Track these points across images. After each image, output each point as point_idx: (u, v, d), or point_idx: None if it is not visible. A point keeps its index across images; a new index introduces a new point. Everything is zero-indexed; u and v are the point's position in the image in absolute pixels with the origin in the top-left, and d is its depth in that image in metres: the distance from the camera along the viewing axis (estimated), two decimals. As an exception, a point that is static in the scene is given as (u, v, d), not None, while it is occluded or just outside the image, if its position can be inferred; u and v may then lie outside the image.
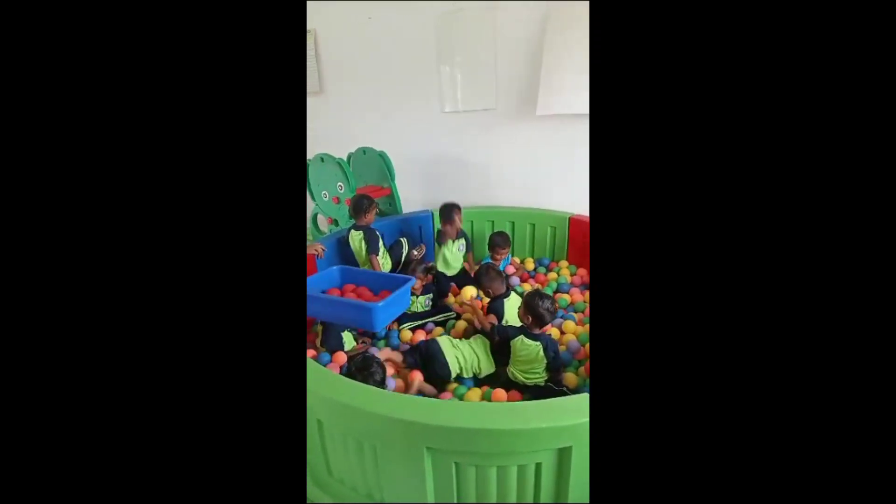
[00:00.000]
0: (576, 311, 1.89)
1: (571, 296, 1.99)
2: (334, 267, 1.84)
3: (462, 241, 2.17)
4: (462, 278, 2.11)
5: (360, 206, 2.03)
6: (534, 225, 2.38)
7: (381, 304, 1.44)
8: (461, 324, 1.83)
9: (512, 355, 1.49)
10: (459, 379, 1.56)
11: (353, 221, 2.24)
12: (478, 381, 1.58)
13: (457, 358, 1.53)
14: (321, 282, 1.75)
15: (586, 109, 2.12)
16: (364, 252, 2.04)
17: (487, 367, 1.56)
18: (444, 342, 1.56)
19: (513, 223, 2.40)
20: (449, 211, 2.11)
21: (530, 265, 2.32)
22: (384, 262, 2.08)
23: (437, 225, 2.40)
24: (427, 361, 1.53)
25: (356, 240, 2.06)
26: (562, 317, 1.82)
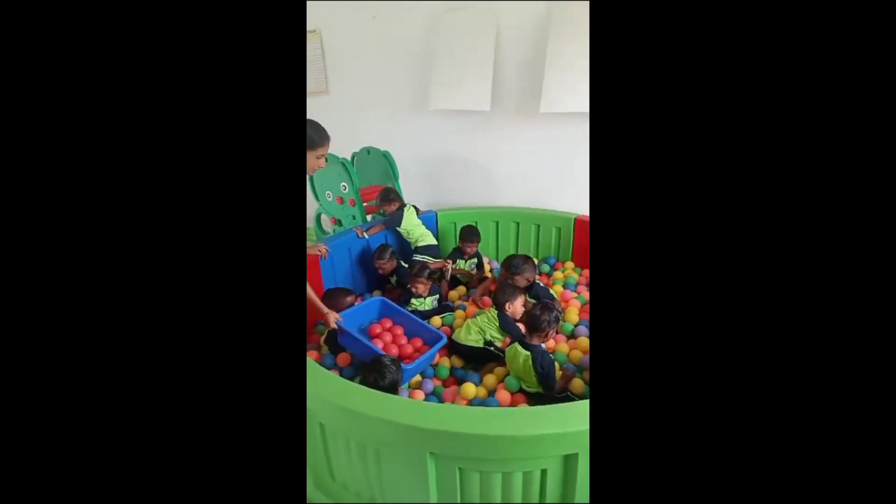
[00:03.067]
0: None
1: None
2: (375, 298, 1.84)
3: (475, 259, 2.22)
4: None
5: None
6: (538, 226, 2.36)
7: (411, 365, 1.51)
8: (459, 313, 1.93)
9: (507, 361, 1.49)
10: (490, 346, 1.63)
11: (356, 222, 2.26)
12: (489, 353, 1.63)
13: (478, 332, 1.64)
14: (361, 313, 1.76)
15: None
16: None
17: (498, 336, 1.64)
18: (461, 332, 1.66)
19: (517, 224, 2.38)
20: (472, 234, 2.19)
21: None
22: (418, 235, 2.19)
23: (441, 225, 2.39)
24: (455, 351, 1.67)
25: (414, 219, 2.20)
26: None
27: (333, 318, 1.56)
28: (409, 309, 1.88)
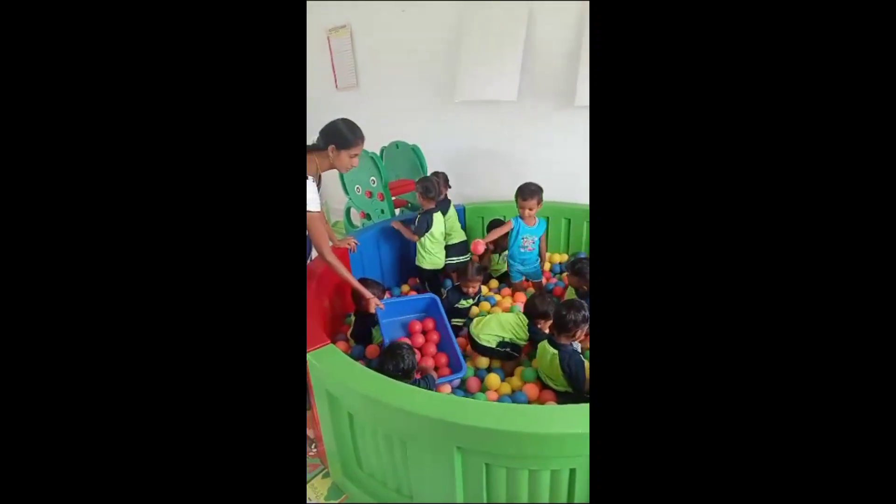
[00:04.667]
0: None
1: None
2: (429, 295, 1.85)
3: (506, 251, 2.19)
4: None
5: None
6: (569, 220, 2.31)
7: (434, 376, 1.50)
8: (485, 305, 1.97)
9: (537, 358, 1.47)
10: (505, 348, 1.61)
11: (385, 216, 2.27)
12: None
13: (499, 329, 1.61)
14: (409, 305, 1.82)
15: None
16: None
17: (522, 337, 1.61)
18: (477, 326, 1.66)
19: (547, 218, 2.32)
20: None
21: (563, 258, 2.27)
22: (438, 249, 2.09)
23: (469, 219, 2.38)
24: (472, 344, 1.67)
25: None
26: None
27: (374, 303, 1.64)
28: (457, 306, 1.87)
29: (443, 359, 1.63)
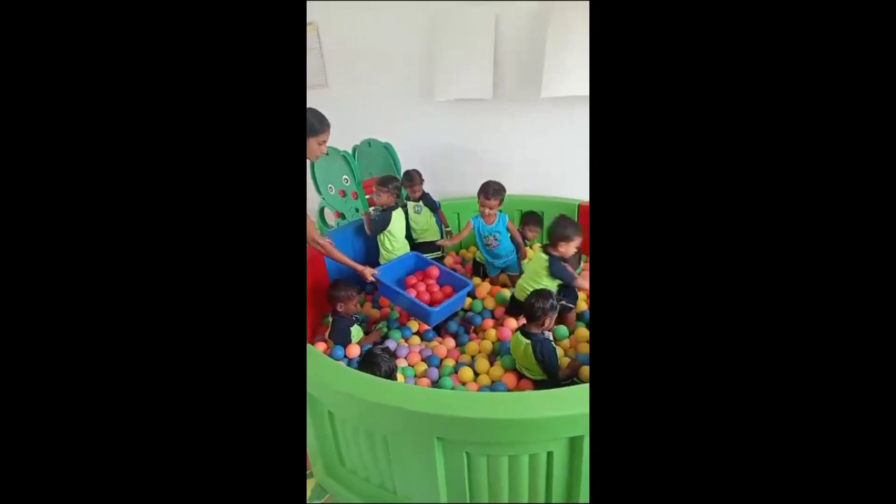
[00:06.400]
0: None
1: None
2: (410, 253, 2.00)
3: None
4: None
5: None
6: (542, 213, 2.35)
7: (437, 308, 1.66)
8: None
9: (511, 350, 1.50)
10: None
11: (359, 215, 2.25)
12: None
13: (533, 284, 1.61)
14: (398, 266, 1.95)
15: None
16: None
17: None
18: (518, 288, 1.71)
19: (521, 211, 2.37)
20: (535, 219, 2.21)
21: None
22: (399, 247, 2.07)
23: (447, 217, 2.39)
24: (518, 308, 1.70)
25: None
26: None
27: (369, 272, 1.74)
28: None
29: (448, 289, 1.85)
